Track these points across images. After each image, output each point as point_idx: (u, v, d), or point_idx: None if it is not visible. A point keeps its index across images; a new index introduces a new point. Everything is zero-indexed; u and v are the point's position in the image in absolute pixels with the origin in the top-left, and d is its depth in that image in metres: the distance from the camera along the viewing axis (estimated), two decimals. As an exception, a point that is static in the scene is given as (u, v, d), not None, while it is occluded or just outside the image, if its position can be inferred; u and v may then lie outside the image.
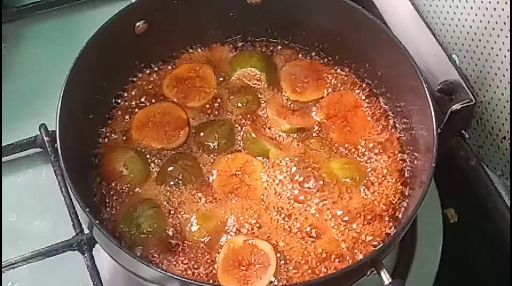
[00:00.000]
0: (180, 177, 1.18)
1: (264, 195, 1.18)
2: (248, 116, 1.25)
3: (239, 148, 1.22)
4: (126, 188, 1.17)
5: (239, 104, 1.26)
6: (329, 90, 1.29)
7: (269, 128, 1.24)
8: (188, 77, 1.29)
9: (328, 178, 1.18)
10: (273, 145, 1.21)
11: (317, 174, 1.19)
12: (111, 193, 1.17)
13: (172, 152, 1.22)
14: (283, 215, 1.16)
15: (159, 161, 1.20)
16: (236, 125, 1.24)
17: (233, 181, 1.18)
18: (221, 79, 1.30)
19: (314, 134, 1.24)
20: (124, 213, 1.14)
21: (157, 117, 1.24)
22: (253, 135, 1.21)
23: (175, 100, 1.26)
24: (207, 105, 1.27)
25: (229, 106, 1.27)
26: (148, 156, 1.21)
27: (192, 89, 1.28)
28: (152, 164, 1.20)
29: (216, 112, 1.26)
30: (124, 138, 1.23)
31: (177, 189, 1.17)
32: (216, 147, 1.21)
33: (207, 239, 1.13)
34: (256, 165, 1.20)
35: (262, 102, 1.27)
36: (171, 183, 1.18)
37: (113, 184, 1.17)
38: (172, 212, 1.15)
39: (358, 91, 1.28)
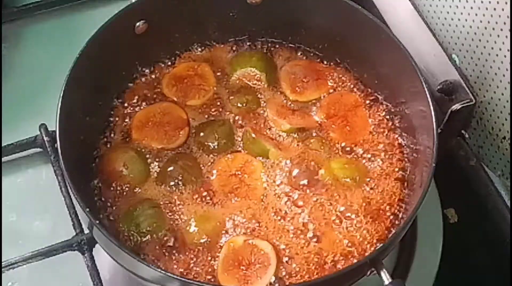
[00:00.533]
0: (180, 178, 1.18)
1: (263, 195, 1.18)
2: (248, 116, 1.25)
3: (239, 148, 1.22)
4: (126, 188, 1.17)
5: (239, 104, 1.26)
6: (329, 89, 1.29)
7: (269, 128, 1.24)
8: (187, 75, 1.29)
9: (328, 178, 1.18)
10: (273, 145, 1.21)
11: (317, 174, 1.19)
12: (111, 193, 1.17)
13: (172, 152, 1.21)
14: (282, 215, 1.15)
15: (159, 161, 1.20)
16: (236, 125, 1.24)
17: (232, 181, 1.18)
18: (221, 79, 1.30)
19: (314, 134, 1.24)
20: (124, 212, 1.14)
21: (157, 117, 1.24)
22: (253, 135, 1.21)
23: (175, 99, 1.27)
24: (207, 105, 1.27)
25: (229, 106, 1.27)
26: (148, 156, 1.21)
27: (192, 88, 1.28)
28: (152, 164, 1.20)
29: (216, 112, 1.26)
30: (124, 138, 1.23)
31: (177, 190, 1.17)
32: (216, 147, 1.21)
33: (206, 240, 1.12)
34: (256, 165, 1.20)
35: (262, 102, 1.27)
36: (171, 183, 1.17)
37: (113, 184, 1.17)
38: (171, 212, 1.15)
39: (358, 91, 1.28)
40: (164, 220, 1.14)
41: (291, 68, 1.31)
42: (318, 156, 1.21)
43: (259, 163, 1.20)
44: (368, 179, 1.19)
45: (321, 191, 1.18)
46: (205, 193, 1.17)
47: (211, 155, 1.21)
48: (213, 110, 1.26)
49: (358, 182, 1.18)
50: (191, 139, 1.23)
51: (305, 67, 1.31)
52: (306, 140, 1.23)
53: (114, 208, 1.15)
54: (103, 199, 1.16)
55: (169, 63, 1.31)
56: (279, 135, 1.24)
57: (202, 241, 1.12)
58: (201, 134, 1.22)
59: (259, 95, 1.28)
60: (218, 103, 1.27)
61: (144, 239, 1.12)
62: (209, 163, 1.20)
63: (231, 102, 1.27)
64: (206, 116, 1.26)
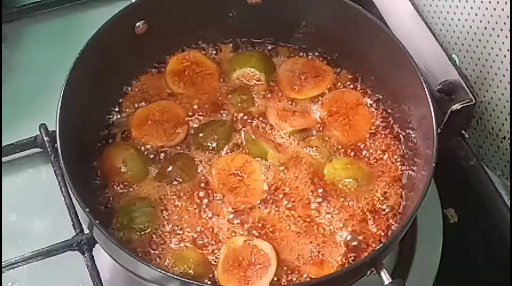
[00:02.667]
0: (178, 178, 1.18)
1: (262, 196, 1.17)
2: (247, 116, 1.25)
3: (239, 149, 1.22)
4: (123, 186, 1.17)
5: (234, 103, 1.26)
6: (328, 87, 1.28)
7: (270, 129, 1.24)
8: (184, 67, 1.29)
9: (330, 179, 1.18)
10: (272, 147, 1.20)
11: (318, 175, 1.19)
12: (110, 191, 1.17)
13: (172, 149, 1.21)
14: (281, 217, 1.15)
15: (159, 161, 1.20)
16: (235, 125, 1.24)
17: (232, 180, 1.18)
18: (221, 78, 1.29)
19: (315, 133, 1.24)
20: (121, 205, 1.15)
21: (156, 115, 1.24)
22: (253, 136, 1.21)
23: (188, 92, 1.26)
24: (206, 105, 1.26)
25: (227, 105, 1.26)
26: (147, 153, 1.21)
27: (197, 76, 1.28)
28: (151, 164, 1.20)
29: (215, 112, 1.26)
30: (124, 137, 1.23)
31: (174, 190, 1.17)
32: (215, 147, 1.21)
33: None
34: (256, 166, 1.20)
35: (258, 103, 1.27)
36: (169, 183, 1.17)
37: (111, 180, 1.17)
38: (167, 213, 1.15)
39: (357, 90, 1.28)
40: (158, 221, 1.14)
41: (289, 66, 1.31)
42: (319, 157, 1.21)
43: (259, 163, 1.20)
44: (369, 179, 1.18)
45: (322, 192, 1.17)
46: (203, 192, 1.17)
47: (211, 156, 1.21)
48: (212, 109, 1.26)
49: (360, 182, 1.18)
50: (191, 139, 1.23)
51: (304, 65, 1.31)
52: (307, 138, 1.23)
53: (111, 205, 1.15)
54: (101, 196, 1.16)
55: (169, 63, 1.30)
56: (281, 137, 1.23)
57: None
58: (200, 134, 1.22)
59: (258, 96, 1.28)
60: (217, 103, 1.27)
61: (131, 235, 1.12)
62: (209, 163, 1.20)
63: (228, 101, 1.27)
64: (205, 115, 1.25)
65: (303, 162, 1.20)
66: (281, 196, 1.17)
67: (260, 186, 1.18)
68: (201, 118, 1.25)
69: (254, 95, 1.28)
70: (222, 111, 1.26)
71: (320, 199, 1.17)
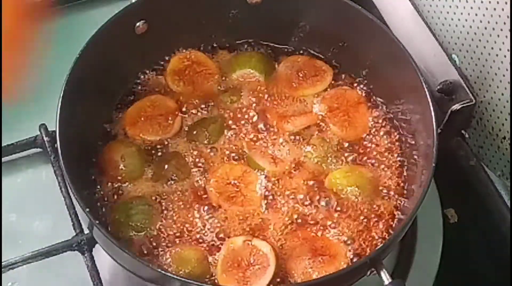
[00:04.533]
0: (174, 177, 1.18)
1: (260, 207, 1.16)
2: (243, 115, 1.25)
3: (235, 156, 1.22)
4: (118, 182, 1.17)
5: (225, 101, 1.26)
6: (327, 86, 1.28)
7: (268, 132, 1.23)
8: (185, 67, 1.29)
9: (332, 188, 1.18)
10: (268, 162, 1.20)
11: (318, 183, 1.18)
12: (108, 190, 1.17)
13: (169, 144, 1.21)
14: (278, 226, 1.15)
15: (157, 156, 1.20)
16: (227, 125, 1.24)
17: (229, 189, 1.17)
18: (221, 79, 1.29)
19: (316, 134, 1.23)
20: (119, 203, 1.15)
21: (148, 111, 1.24)
22: (247, 151, 1.21)
23: (188, 91, 1.26)
24: (204, 104, 1.26)
25: (222, 104, 1.26)
26: (148, 149, 1.21)
27: (198, 76, 1.28)
28: (149, 164, 1.20)
29: (210, 111, 1.26)
30: (124, 137, 1.23)
31: (171, 190, 1.17)
32: (207, 145, 1.21)
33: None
34: (254, 177, 1.19)
35: (255, 101, 1.26)
36: (165, 183, 1.17)
37: (107, 178, 1.17)
38: (164, 213, 1.15)
39: (357, 90, 1.28)
40: (154, 221, 1.14)
41: (289, 63, 1.30)
42: (316, 157, 1.20)
43: (257, 174, 1.19)
44: (369, 183, 1.18)
45: (322, 200, 1.17)
46: (200, 199, 1.17)
47: (206, 156, 1.21)
48: (207, 108, 1.26)
49: (363, 189, 1.17)
50: (184, 137, 1.22)
51: (304, 63, 1.30)
52: (309, 139, 1.22)
53: (110, 205, 1.16)
54: (101, 196, 1.16)
55: (169, 63, 1.30)
56: (278, 149, 1.22)
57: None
58: (194, 132, 1.22)
59: (258, 97, 1.27)
60: (213, 102, 1.26)
61: (129, 233, 1.12)
62: (206, 166, 1.20)
63: (222, 99, 1.26)
64: (200, 113, 1.25)
65: (302, 170, 1.19)
66: (277, 207, 1.16)
67: (258, 196, 1.17)
68: (196, 116, 1.25)
69: (251, 95, 1.27)
70: (216, 110, 1.26)
71: (320, 206, 1.17)
